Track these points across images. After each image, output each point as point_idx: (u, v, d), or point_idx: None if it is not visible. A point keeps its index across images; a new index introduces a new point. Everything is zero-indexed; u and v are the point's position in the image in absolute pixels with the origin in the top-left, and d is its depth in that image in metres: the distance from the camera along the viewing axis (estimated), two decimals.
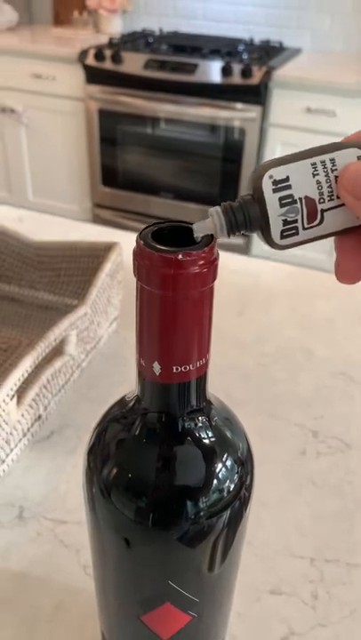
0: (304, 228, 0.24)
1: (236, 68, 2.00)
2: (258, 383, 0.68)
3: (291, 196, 0.24)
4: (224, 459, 0.29)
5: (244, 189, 2.24)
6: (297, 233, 0.25)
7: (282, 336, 0.77)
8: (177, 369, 0.25)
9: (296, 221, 0.24)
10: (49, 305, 0.76)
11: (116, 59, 2.13)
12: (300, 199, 0.24)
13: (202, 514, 0.28)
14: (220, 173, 2.23)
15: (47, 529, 0.51)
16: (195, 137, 2.21)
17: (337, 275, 0.26)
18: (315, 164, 0.24)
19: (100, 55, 2.15)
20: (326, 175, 0.24)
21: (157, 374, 0.26)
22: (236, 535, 0.32)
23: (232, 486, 0.29)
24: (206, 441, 0.28)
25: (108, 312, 0.70)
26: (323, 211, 0.24)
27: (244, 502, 0.31)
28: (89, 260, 0.71)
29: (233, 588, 0.36)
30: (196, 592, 0.30)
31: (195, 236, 0.24)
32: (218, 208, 0.24)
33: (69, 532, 0.51)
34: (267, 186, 0.24)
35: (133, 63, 2.13)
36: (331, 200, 0.24)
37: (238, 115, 2.08)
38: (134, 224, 2.36)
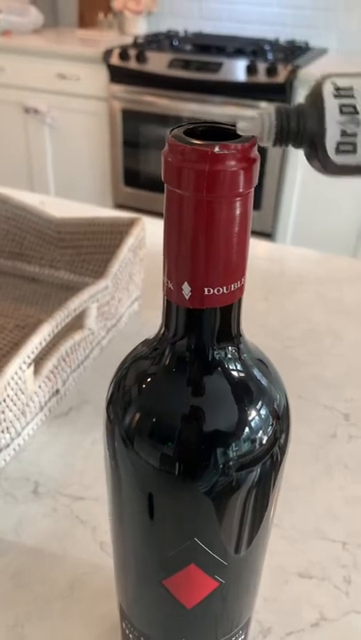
0: None
1: (262, 66, 1.98)
2: (284, 366, 0.65)
3: (353, 105, 0.21)
4: (258, 404, 0.26)
5: (268, 194, 2.21)
6: (354, 151, 0.22)
7: (309, 321, 0.73)
8: (209, 291, 0.23)
9: (355, 136, 0.22)
10: (69, 284, 0.74)
11: (141, 58, 2.13)
12: None
13: (232, 453, 0.25)
14: None
15: (63, 505, 0.48)
16: None
17: None
18: None
19: (124, 55, 2.14)
20: None
21: (187, 298, 0.23)
22: (266, 497, 0.29)
23: (265, 438, 0.27)
24: (238, 379, 0.26)
25: (130, 290, 0.68)
26: None
27: (277, 462, 0.28)
28: (111, 237, 0.69)
29: (262, 560, 0.33)
30: (224, 553, 0.27)
31: (238, 133, 0.21)
32: (271, 109, 0.22)
33: (86, 509, 0.48)
34: (328, 91, 0.21)
35: (158, 62, 2.12)
36: None
37: None
38: None
